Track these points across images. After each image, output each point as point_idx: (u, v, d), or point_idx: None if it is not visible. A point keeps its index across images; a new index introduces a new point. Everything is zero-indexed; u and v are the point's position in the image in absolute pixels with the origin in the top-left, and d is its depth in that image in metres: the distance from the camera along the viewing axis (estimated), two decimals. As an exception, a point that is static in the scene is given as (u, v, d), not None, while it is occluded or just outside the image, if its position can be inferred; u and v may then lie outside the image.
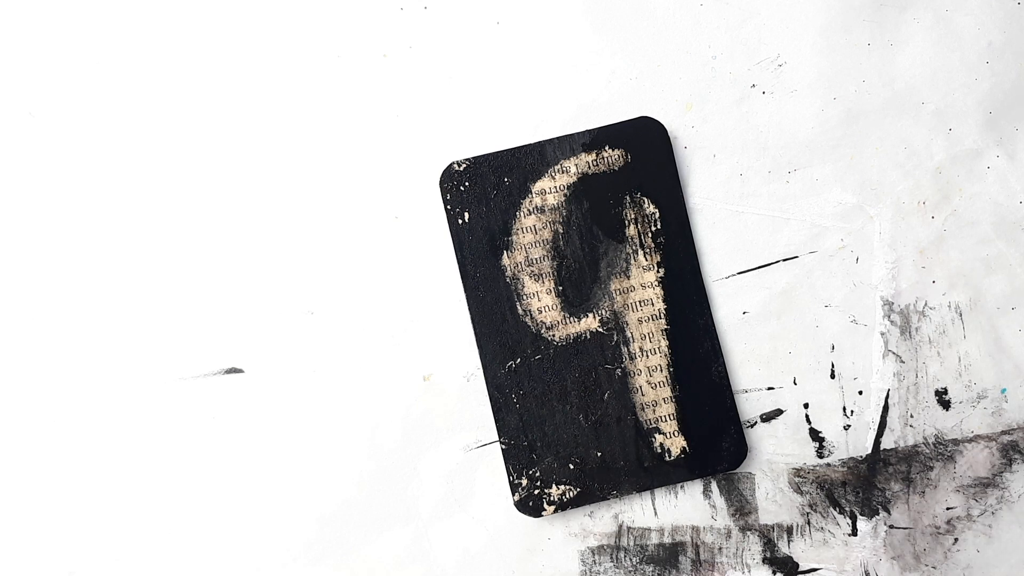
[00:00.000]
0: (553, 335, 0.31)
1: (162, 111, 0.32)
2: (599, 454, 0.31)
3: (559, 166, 0.31)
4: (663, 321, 0.31)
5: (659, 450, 0.31)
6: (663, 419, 0.31)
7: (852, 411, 0.32)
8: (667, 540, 0.31)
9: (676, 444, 0.31)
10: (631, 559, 0.31)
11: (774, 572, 0.31)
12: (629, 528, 0.31)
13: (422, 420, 0.31)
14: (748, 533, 0.31)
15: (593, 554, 0.31)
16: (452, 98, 0.32)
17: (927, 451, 0.32)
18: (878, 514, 0.31)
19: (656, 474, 0.31)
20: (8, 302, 0.31)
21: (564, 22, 0.32)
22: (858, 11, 0.32)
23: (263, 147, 0.32)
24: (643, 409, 0.31)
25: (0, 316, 0.31)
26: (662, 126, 0.32)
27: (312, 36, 0.32)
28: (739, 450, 0.31)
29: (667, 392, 0.31)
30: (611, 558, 0.31)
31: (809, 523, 0.31)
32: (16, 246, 0.32)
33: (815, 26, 0.32)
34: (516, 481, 0.31)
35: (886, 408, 0.32)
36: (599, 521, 0.31)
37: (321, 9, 0.32)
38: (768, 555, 0.31)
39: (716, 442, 0.31)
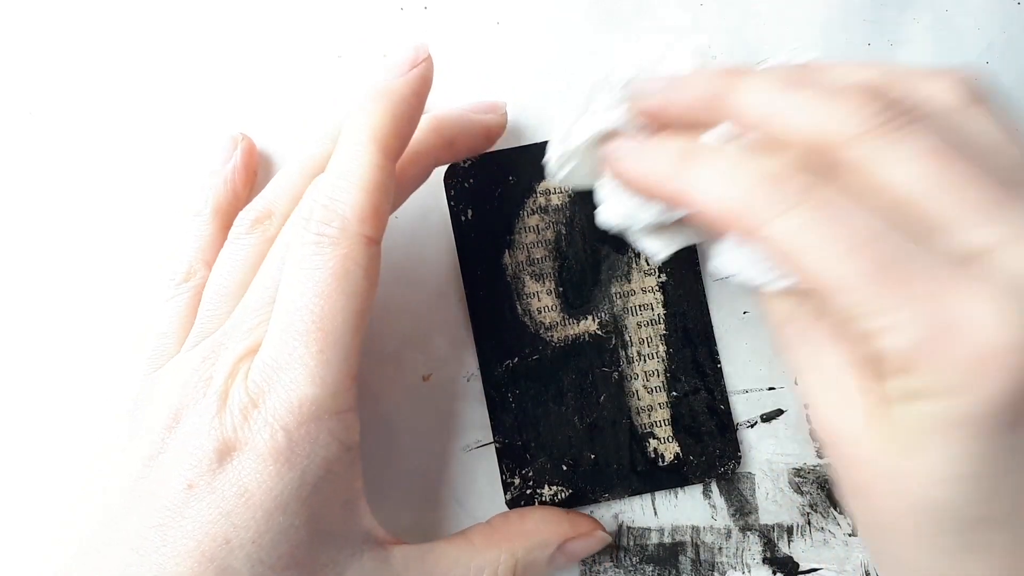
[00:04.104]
0: (552, 336, 0.31)
1: (162, 111, 0.32)
2: (592, 456, 0.31)
3: (565, 166, 0.31)
4: (662, 326, 0.31)
5: (652, 455, 0.31)
6: (658, 424, 0.31)
7: (852, 411, 0.31)
8: (667, 540, 0.31)
9: (670, 450, 0.31)
10: (631, 559, 0.31)
11: (774, 572, 0.31)
12: (629, 528, 0.31)
13: (422, 420, 0.31)
14: (748, 533, 0.31)
15: (593, 553, 0.31)
16: (452, 98, 0.32)
17: (927, 451, 0.31)
18: (878, 514, 0.31)
19: (649, 479, 0.31)
20: (8, 301, 0.31)
21: (564, 22, 0.32)
22: (858, 11, 0.32)
23: (263, 148, 0.32)
24: (638, 413, 0.31)
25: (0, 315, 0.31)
26: None
27: (312, 36, 0.32)
28: (733, 458, 0.31)
29: (663, 397, 0.31)
30: (611, 558, 0.31)
31: (809, 523, 0.31)
32: (16, 245, 0.32)
33: (815, 26, 0.32)
34: (509, 480, 0.31)
35: (886, 408, 0.31)
36: (599, 520, 0.31)
37: (322, 9, 0.32)
38: (768, 555, 0.31)
39: (710, 450, 0.31)
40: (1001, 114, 0.22)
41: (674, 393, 0.31)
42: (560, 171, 0.27)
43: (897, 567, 0.22)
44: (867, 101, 0.21)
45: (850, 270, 0.19)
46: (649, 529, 0.31)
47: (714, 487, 0.31)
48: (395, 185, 0.26)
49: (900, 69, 0.23)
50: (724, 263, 0.24)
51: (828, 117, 0.21)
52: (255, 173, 0.31)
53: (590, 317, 0.31)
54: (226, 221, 0.29)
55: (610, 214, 0.26)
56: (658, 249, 0.26)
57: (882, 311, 0.19)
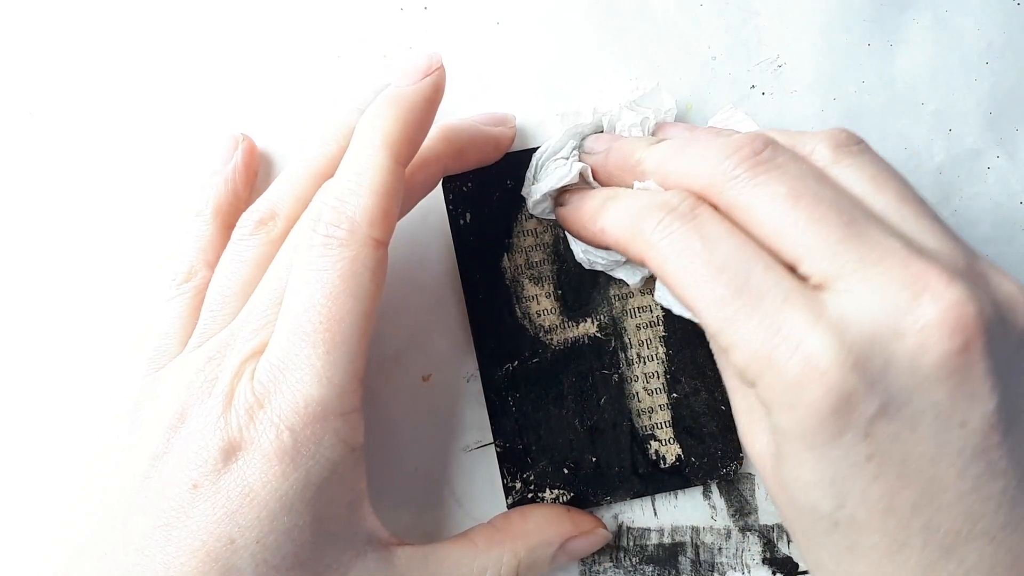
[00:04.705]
0: (551, 339, 0.31)
1: (162, 111, 0.32)
2: (594, 459, 0.31)
3: (563, 170, 0.31)
4: (661, 328, 0.31)
5: (654, 457, 0.31)
6: (659, 426, 0.31)
7: (852, 411, 0.32)
8: (667, 540, 0.31)
9: (671, 451, 0.31)
10: (631, 559, 0.31)
11: (774, 573, 0.31)
12: (629, 528, 0.31)
13: (422, 420, 0.31)
14: (748, 534, 0.31)
15: (592, 554, 0.31)
16: (452, 98, 0.32)
17: (927, 451, 0.32)
18: (878, 514, 0.31)
19: (650, 481, 0.31)
20: (8, 301, 0.31)
21: (564, 23, 0.32)
22: (858, 11, 0.32)
23: (264, 148, 0.32)
24: (639, 415, 0.31)
25: (0, 315, 0.31)
26: None
27: (312, 36, 0.32)
28: (735, 459, 0.31)
29: (663, 399, 0.31)
30: (610, 558, 0.31)
31: (809, 523, 0.31)
32: (16, 246, 0.32)
33: (815, 26, 0.32)
34: (510, 484, 0.31)
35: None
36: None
37: (321, 9, 0.32)
38: (768, 555, 0.31)
39: (712, 451, 0.31)
40: (874, 165, 0.24)
41: (674, 394, 0.31)
42: (534, 209, 0.31)
43: (813, 572, 0.24)
44: (736, 151, 0.24)
45: (711, 291, 0.22)
46: (649, 529, 0.31)
47: (714, 488, 0.31)
48: (404, 190, 0.26)
49: (788, 131, 0.25)
50: (660, 297, 0.28)
51: (707, 167, 0.24)
52: (256, 173, 0.31)
53: (589, 320, 0.31)
54: (227, 221, 0.29)
55: (577, 252, 0.30)
56: (626, 277, 0.30)
57: (731, 328, 0.22)
